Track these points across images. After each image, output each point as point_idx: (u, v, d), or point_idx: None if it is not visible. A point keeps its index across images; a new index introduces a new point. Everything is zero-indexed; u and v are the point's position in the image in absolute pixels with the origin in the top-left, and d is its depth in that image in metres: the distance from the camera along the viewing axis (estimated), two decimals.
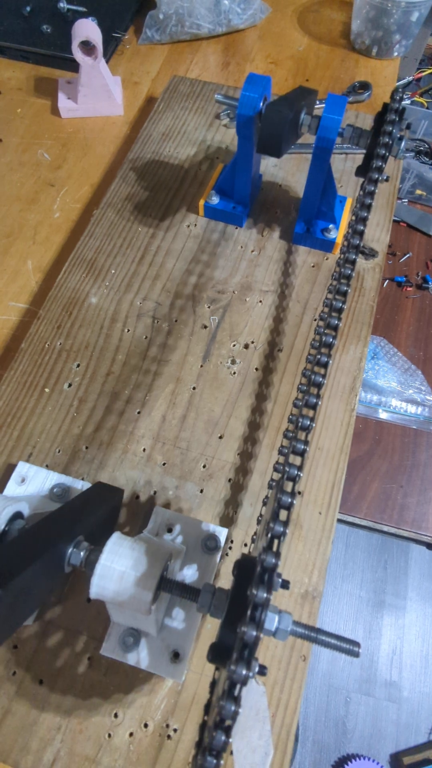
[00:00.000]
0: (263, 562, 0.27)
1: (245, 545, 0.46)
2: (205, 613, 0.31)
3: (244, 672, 0.24)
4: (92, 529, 0.35)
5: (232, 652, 0.26)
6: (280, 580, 0.31)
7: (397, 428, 0.72)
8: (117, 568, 0.31)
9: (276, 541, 0.29)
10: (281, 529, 0.29)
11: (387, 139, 0.45)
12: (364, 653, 1.45)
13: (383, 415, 0.72)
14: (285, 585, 0.32)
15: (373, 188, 0.42)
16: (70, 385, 0.53)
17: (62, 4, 0.85)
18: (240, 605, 0.30)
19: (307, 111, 0.52)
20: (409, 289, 0.83)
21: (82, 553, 0.32)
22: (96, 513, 0.35)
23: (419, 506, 0.68)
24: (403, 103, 0.46)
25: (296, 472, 0.31)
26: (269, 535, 0.28)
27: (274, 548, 0.28)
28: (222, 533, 0.44)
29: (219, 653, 0.29)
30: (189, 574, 0.42)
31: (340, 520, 0.70)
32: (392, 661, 1.44)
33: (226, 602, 0.31)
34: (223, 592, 0.32)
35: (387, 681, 1.42)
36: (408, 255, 0.86)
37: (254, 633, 0.25)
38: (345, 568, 1.56)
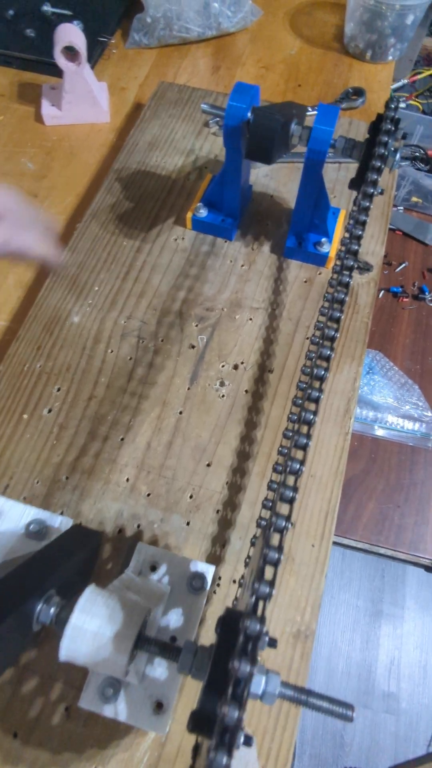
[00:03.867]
0: (246, 630, 0.25)
1: (234, 582, 0.44)
2: (185, 675, 0.29)
3: (225, 761, 0.22)
4: (66, 579, 0.32)
5: (214, 723, 0.24)
6: (266, 638, 0.29)
7: (393, 445, 0.69)
8: (89, 629, 0.28)
9: (261, 603, 0.27)
10: (267, 590, 0.26)
11: (381, 150, 0.42)
12: (362, 664, 1.43)
13: (379, 432, 0.69)
14: (272, 643, 0.30)
15: (367, 203, 0.40)
16: (50, 411, 0.50)
17: (46, 8, 0.83)
18: (223, 668, 0.28)
19: (297, 121, 0.49)
20: (405, 299, 0.81)
21: (52, 610, 0.30)
22: (71, 561, 0.33)
23: (417, 527, 0.66)
24: (399, 109, 0.44)
25: (284, 523, 0.29)
26: (254, 598, 0.25)
27: (259, 611, 0.26)
28: (209, 571, 0.42)
29: (200, 722, 0.27)
30: (173, 618, 0.39)
31: (334, 543, 0.67)
32: (390, 671, 1.42)
33: (208, 663, 0.29)
34: (206, 651, 0.29)
35: (385, 692, 1.40)
36: (404, 264, 0.84)
37: (236, 714, 0.22)
38: (342, 577, 1.54)
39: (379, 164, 0.40)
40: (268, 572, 0.27)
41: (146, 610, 0.31)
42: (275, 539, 0.28)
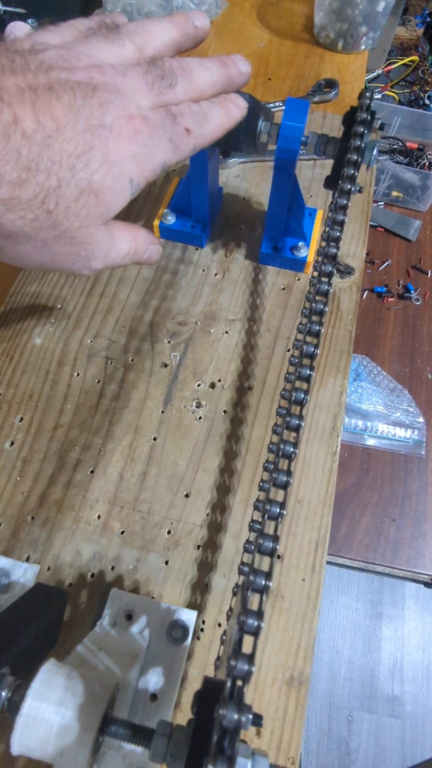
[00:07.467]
0: (222, 724, 0.21)
1: (219, 625, 0.40)
2: (160, 764, 0.25)
3: None
4: (23, 651, 0.28)
5: None
6: (250, 716, 0.25)
7: (385, 455, 0.66)
8: (45, 717, 0.24)
9: (240, 684, 0.23)
10: (245, 667, 0.23)
11: (355, 155, 0.39)
12: (365, 668, 1.40)
13: (370, 442, 0.66)
14: (257, 722, 0.26)
15: (345, 202, 0.36)
16: (12, 444, 0.46)
17: None
18: (203, 753, 0.24)
19: (265, 117, 0.45)
20: (390, 299, 0.77)
21: (3, 693, 0.26)
22: (29, 629, 0.29)
23: (414, 541, 0.62)
24: (373, 101, 0.40)
25: (263, 582, 0.25)
26: (231, 689, 0.21)
27: (239, 696, 0.22)
28: (191, 618, 0.38)
29: None
30: (153, 675, 0.35)
31: (328, 563, 0.64)
32: (393, 674, 1.39)
33: (185, 747, 0.25)
34: (182, 732, 0.26)
35: (389, 696, 1.37)
36: (387, 263, 0.80)
37: None
38: (340, 579, 1.51)
39: (355, 158, 0.36)
40: (254, 617, 0.23)
41: (113, 686, 0.27)
42: (254, 603, 0.25)
